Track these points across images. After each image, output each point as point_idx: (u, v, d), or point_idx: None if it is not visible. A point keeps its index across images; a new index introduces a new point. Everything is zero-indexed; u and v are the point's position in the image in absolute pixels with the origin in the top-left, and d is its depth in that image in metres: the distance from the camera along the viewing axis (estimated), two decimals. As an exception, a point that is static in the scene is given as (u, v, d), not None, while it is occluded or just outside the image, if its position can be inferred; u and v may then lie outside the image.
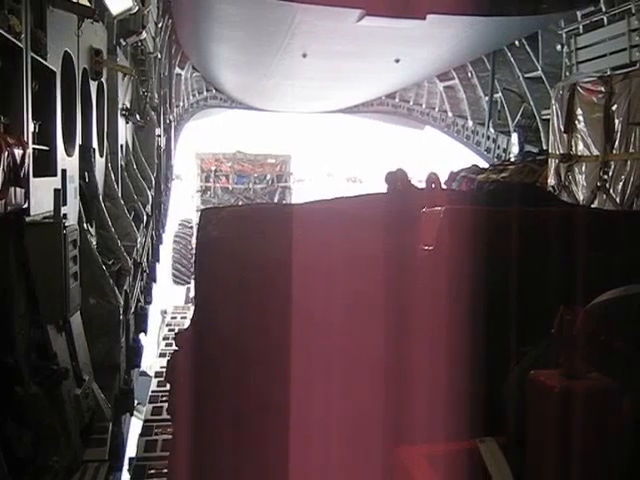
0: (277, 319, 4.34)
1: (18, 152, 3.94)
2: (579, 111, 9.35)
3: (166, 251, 19.08)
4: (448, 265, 2.64)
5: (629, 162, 8.41)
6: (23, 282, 5.22)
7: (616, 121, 8.60)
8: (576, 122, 9.45)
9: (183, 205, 26.89)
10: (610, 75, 9.48)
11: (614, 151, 8.64)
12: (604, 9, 14.51)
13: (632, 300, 2.71)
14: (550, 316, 3.20)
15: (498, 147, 21.38)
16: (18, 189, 4.13)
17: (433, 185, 3.62)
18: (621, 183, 8.55)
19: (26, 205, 4.82)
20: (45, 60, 5.72)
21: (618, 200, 8.50)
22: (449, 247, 2.61)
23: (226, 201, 25.37)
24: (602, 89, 8.81)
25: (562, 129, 9.66)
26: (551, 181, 10.04)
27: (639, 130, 8.18)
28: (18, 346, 5.11)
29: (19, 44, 4.95)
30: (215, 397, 4.54)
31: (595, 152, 9.08)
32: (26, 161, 4.13)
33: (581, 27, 15.53)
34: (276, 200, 25.48)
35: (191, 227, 26.26)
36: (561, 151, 9.71)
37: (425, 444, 3.16)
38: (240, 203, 24.59)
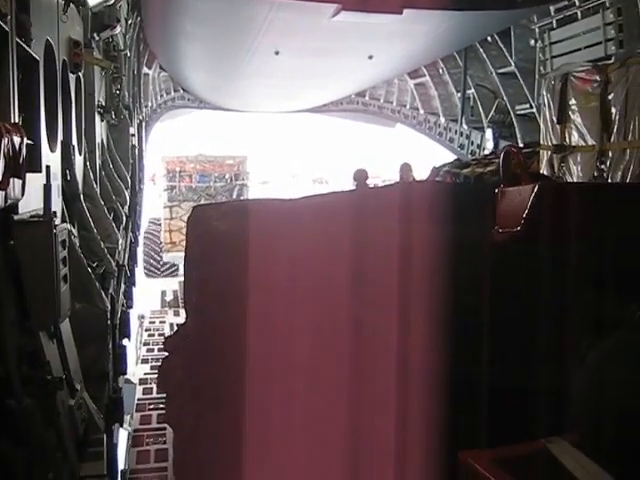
0: (280, 317, 4.05)
1: (17, 140, 3.57)
2: (573, 101, 9.23)
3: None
4: (536, 247, 2.37)
5: (628, 151, 8.30)
6: (12, 287, 4.82)
7: (613, 110, 8.49)
8: (570, 112, 9.34)
9: (151, 203, 28.17)
10: (605, 63, 9.38)
11: (612, 140, 8.54)
12: (577, 3, 14.52)
13: None
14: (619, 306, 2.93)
15: (472, 143, 21.33)
16: (17, 180, 3.76)
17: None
18: (620, 172, 8.43)
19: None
20: (29, 47, 5.32)
21: (617, 190, 8.38)
22: (540, 227, 2.34)
23: (190, 198, 28.25)
24: (597, 78, 8.69)
25: (555, 120, 9.54)
26: (543, 172, 9.91)
27: (638, 118, 8.08)
28: (9, 356, 4.72)
29: (5, 27, 4.55)
30: (217, 401, 4.23)
31: (591, 142, 8.96)
32: (23, 150, 3.76)
33: (554, 22, 15.50)
34: (234, 197, 28.17)
35: (159, 224, 28.82)
36: (554, 142, 9.59)
37: (487, 448, 2.92)
38: (202, 200, 27.60)
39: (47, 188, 4.97)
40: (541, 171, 10.02)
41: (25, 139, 3.85)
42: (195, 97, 29.36)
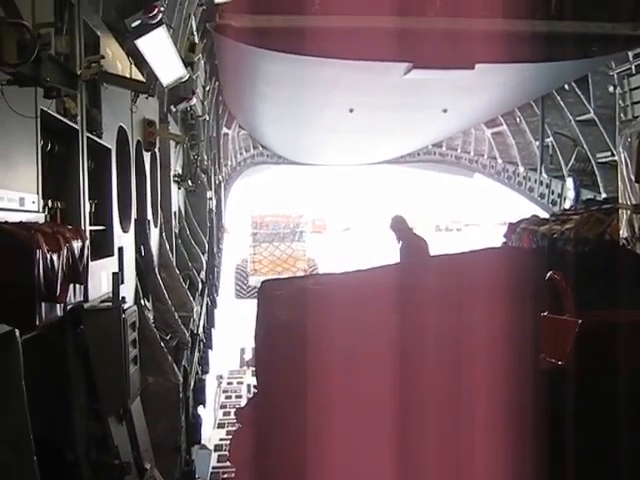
0: (348, 402, 3.96)
1: (77, 245, 3.72)
2: (651, 158, 8.85)
3: (228, 277, 29.21)
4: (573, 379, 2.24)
5: None
6: (82, 372, 4.96)
7: (695, 168, 8.09)
8: (649, 170, 8.94)
9: (241, 242, 40.65)
10: (684, 120, 9.00)
11: (695, 200, 8.13)
12: (656, 48, 14.09)
13: None
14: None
15: (552, 192, 20.74)
16: (77, 285, 3.90)
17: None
18: None
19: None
20: (100, 138, 5.58)
21: None
22: (579, 364, 2.20)
23: (266, 240, 41.47)
24: (676, 135, 8.34)
25: (632, 178, 9.16)
26: (623, 233, 9.48)
27: None
28: (78, 441, 4.83)
29: (75, 126, 4.79)
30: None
31: (673, 202, 8.56)
32: (85, 253, 3.91)
33: (633, 67, 15.03)
34: (295, 238, 41.80)
35: (247, 261, 41.16)
36: (633, 201, 9.18)
37: None
38: (275, 241, 41.31)
39: (116, 276, 5.12)
40: (621, 231, 9.60)
41: (87, 241, 4.01)
42: (273, 153, 30.07)
